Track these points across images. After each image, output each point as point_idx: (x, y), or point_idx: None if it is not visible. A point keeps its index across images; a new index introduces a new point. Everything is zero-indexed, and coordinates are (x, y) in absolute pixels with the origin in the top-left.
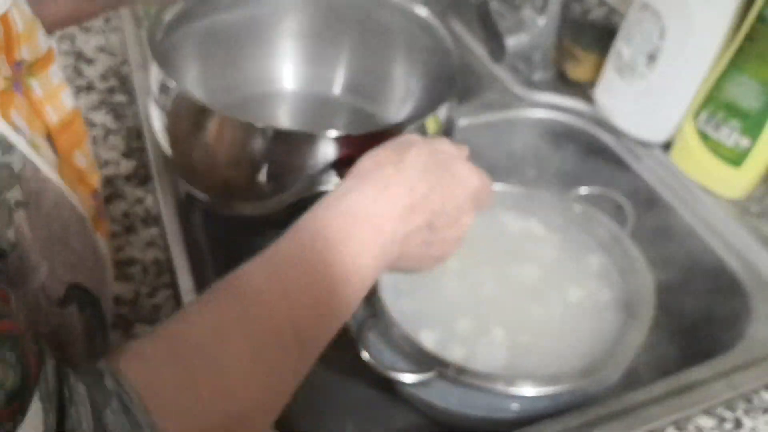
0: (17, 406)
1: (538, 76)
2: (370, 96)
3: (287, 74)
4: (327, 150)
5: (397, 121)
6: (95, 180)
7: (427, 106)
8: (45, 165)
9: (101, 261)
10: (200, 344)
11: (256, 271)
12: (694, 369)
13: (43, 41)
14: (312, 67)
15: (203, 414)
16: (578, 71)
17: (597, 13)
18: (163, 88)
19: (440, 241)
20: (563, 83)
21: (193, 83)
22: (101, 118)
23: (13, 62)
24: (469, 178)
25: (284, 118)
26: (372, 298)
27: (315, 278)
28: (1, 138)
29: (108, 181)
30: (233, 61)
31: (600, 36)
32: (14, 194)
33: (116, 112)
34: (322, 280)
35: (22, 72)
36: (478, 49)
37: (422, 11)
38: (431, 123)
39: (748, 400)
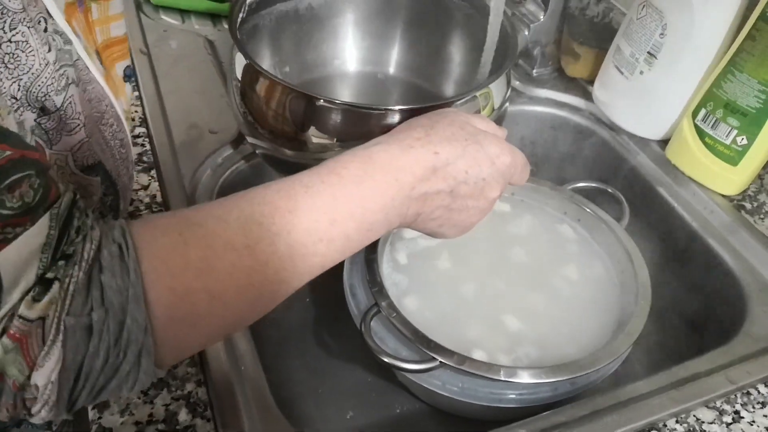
0: (29, 218)
1: (537, 71)
2: (423, 73)
3: (348, 56)
4: (371, 121)
5: (447, 96)
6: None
7: (480, 81)
8: (93, 67)
9: (127, 157)
10: (201, 224)
11: (271, 187)
12: (693, 362)
13: None
14: (370, 49)
15: (185, 278)
16: (577, 67)
17: (595, 10)
18: (245, 67)
19: (463, 209)
20: (562, 79)
21: (268, 65)
22: None
23: None
24: (499, 155)
25: (344, 96)
26: (375, 289)
27: (319, 205)
28: (63, 33)
29: None
30: (296, 45)
31: (599, 33)
32: (70, 72)
33: None
34: (325, 209)
35: None
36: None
37: None
38: (482, 97)
39: (747, 394)
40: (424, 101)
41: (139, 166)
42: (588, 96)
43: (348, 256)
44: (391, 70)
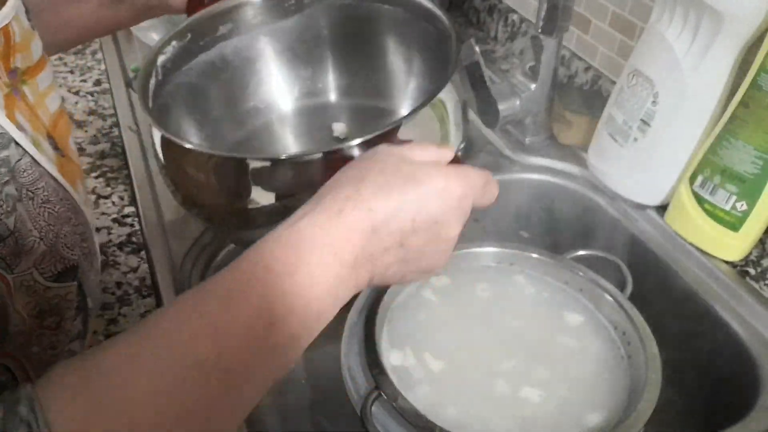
0: None
1: (530, 139)
2: (370, 93)
3: (281, 95)
4: (312, 171)
5: (392, 121)
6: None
7: (430, 91)
8: (44, 159)
9: (90, 251)
10: (111, 370)
11: (185, 301)
12: None
13: (35, 51)
14: (304, 81)
15: None
16: (569, 134)
17: (584, 78)
18: (161, 138)
19: (421, 256)
20: (555, 146)
21: (193, 126)
22: (92, 182)
23: (9, 69)
24: (446, 188)
25: (289, 140)
26: (375, 371)
27: (249, 311)
28: (2, 134)
29: (100, 249)
30: (228, 96)
31: (589, 100)
32: (9, 189)
33: (108, 176)
34: (258, 314)
35: (17, 79)
36: (469, 113)
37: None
38: (437, 110)
39: None
40: (376, 121)
41: (128, 247)
42: (582, 163)
43: (302, 352)
44: (333, 97)
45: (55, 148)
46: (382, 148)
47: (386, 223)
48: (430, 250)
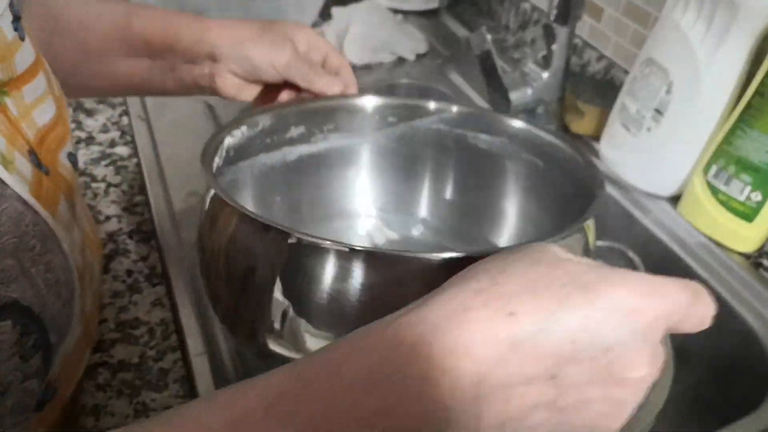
0: None
1: None
2: (461, 237)
3: (361, 215)
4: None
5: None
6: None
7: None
8: (13, 179)
9: (58, 281)
10: None
11: (253, 386)
12: None
13: (20, 62)
14: (392, 207)
15: None
16: (581, 124)
17: (596, 67)
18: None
19: (581, 407)
20: (567, 136)
21: None
22: (102, 171)
23: None
24: (630, 303)
25: None
26: None
27: (313, 419)
28: None
29: (110, 237)
30: (298, 201)
31: (601, 90)
32: None
33: (117, 165)
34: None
35: None
36: (480, 102)
37: (540, 131)
38: (586, 232)
39: None
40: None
41: (138, 235)
42: (594, 153)
43: None
44: (414, 231)
45: (38, 164)
46: (543, 245)
47: (533, 337)
48: (597, 395)
